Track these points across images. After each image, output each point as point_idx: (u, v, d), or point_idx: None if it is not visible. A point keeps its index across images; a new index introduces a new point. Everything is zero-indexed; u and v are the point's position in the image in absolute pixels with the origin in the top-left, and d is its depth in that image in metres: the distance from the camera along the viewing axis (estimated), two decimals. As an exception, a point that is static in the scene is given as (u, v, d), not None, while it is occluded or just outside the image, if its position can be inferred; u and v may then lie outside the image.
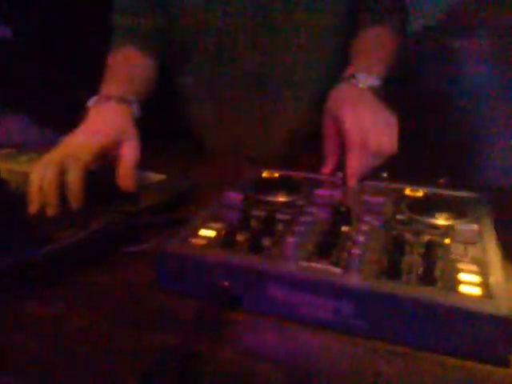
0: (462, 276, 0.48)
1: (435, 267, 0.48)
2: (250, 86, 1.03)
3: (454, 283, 0.47)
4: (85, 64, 1.16)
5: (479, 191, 0.69)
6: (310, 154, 1.01)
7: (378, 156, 0.75)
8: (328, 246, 0.52)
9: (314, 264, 0.49)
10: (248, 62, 1.01)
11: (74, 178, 0.65)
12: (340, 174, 0.74)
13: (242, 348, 0.45)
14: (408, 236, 0.55)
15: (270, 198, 0.66)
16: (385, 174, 0.75)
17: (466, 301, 0.44)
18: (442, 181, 0.72)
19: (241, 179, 0.73)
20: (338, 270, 0.48)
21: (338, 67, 0.94)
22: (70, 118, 0.77)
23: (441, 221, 0.59)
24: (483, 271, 0.49)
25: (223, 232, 0.55)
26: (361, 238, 0.51)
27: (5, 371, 0.42)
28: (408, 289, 0.46)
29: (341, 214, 0.60)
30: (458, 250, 0.53)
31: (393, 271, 0.48)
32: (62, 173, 0.65)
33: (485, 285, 0.46)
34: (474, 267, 0.50)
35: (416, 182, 0.71)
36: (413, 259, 0.51)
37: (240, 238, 0.54)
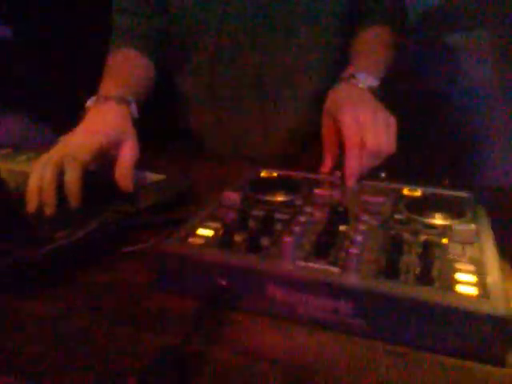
0: (459, 276, 0.48)
1: (433, 267, 0.48)
2: (249, 86, 1.03)
3: (451, 283, 0.47)
4: (84, 64, 1.16)
5: (477, 191, 0.69)
6: (310, 153, 1.01)
7: (377, 156, 0.75)
8: (326, 245, 0.52)
9: (312, 264, 0.49)
10: (248, 62, 1.01)
11: (73, 178, 0.65)
12: (338, 174, 0.74)
13: (241, 348, 0.45)
14: (406, 236, 0.56)
15: (268, 198, 0.66)
16: (383, 174, 0.75)
17: (462, 301, 0.44)
18: (446, 181, 0.72)
19: (239, 179, 0.73)
20: (336, 270, 0.48)
21: (337, 67, 0.94)
22: (70, 118, 0.77)
23: (439, 221, 0.60)
24: (480, 271, 0.49)
25: (221, 232, 0.55)
26: (359, 238, 0.51)
27: (5, 371, 0.42)
28: (406, 288, 0.46)
29: (339, 214, 0.60)
30: (455, 249, 0.53)
31: (391, 271, 0.48)
32: (61, 172, 0.65)
33: (482, 285, 0.46)
34: (471, 267, 0.50)
35: (414, 182, 0.71)
36: (411, 259, 0.51)
37: (238, 237, 0.54)
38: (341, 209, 0.61)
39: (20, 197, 0.64)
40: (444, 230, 0.57)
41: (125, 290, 0.54)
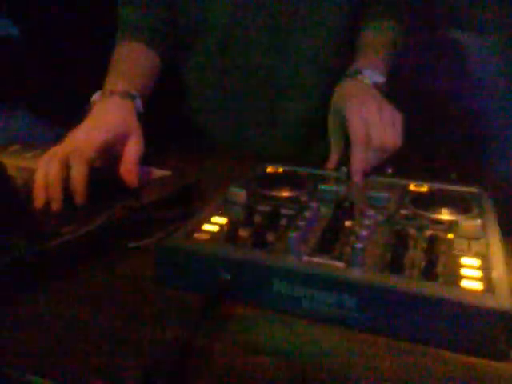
0: (464, 271, 0.48)
1: (438, 262, 0.48)
2: (256, 83, 1.03)
3: (456, 278, 0.47)
4: (89, 61, 1.16)
5: (485, 186, 0.69)
6: (316, 149, 1.01)
7: (383, 152, 0.75)
8: (331, 240, 0.52)
9: (317, 259, 0.49)
10: (254, 58, 1.01)
11: (79, 174, 0.65)
12: (344, 169, 0.74)
13: (245, 342, 0.45)
14: (411, 231, 0.56)
15: (274, 194, 0.66)
16: (389, 170, 0.75)
17: (467, 295, 0.44)
18: (454, 175, 0.72)
19: (245, 175, 0.73)
20: (341, 265, 0.48)
21: (345, 64, 0.93)
22: (75, 114, 0.77)
23: (444, 216, 0.59)
24: (486, 266, 0.49)
25: (227, 227, 0.56)
26: (364, 233, 0.51)
27: (6, 369, 0.42)
28: (410, 283, 0.46)
29: (344, 209, 0.60)
30: (461, 245, 0.53)
31: (396, 266, 0.48)
32: (66, 168, 0.66)
33: (487, 280, 0.46)
34: (476, 262, 0.50)
35: (420, 178, 0.71)
36: (416, 254, 0.51)
37: (244, 233, 0.55)
38: (346, 204, 0.61)
39: (27, 193, 0.65)
40: (450, 226, 0.57)
41: (130, 285, 0.54)
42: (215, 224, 0.57)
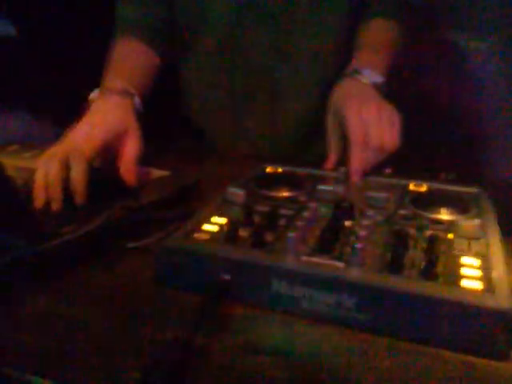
0: (463, 271, 0.48)
1: (437, 262, 0.48)
2: (256, 83, 1.03)
3: (455, 278, 0.47)
4: (89, 61, 1.16)
5: (484, 187, 0.69)
6: (316, 149, 1.01)
7: (381, 152, 0.75)
8: (331, 240, 0.52)
9: (316, 259, 0.49)
10: (254, 58, 1.01)
11: (78, 174, 0.65)
12: (343, 170, 0.74)
13: (244, 342, 0.45)
14: (411, 231, 0.56)
15: (273, 194, 0.66)
16: (388, 170, 0.75)
17: (467, 295, 0.44)
18: (452, 175, 0.72)
19: (244, 175, 0.73)
20: (340, 265, 0.48)
21: (345, 64, 0.93)
22: (74, 114, 0.77)
23: (444, 216, 0.59)
24: (486, 266, 0.49)
25: (226, 227, 0.56)
26: (363, 233, 0.51)
27: (6, 369, 0.42)
28: (410, 283, 0.46)
29: (343, 209, 0.60)
30: (461, 245, 0.53)
31: (395, 266, 0.48)
32: (66, 168, 0.66)
33: (486, 279, 0.46)
34: (476, 262, 0.50)
35: (420, 178, 0.71)
36: (416, 254, 0.51)
37: (243, 233, 0.54)
38: (345, 204, 0.61)
39: (27, 193, 0.65)
40: (450, 226, 0.57)
41: (129, 285, 0.54)
42: (215, 224, 0.57)
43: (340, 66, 0.94)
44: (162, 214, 0.67)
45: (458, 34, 1.35)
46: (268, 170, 0.78)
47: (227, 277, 0.49)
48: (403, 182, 0.71)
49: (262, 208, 0.61)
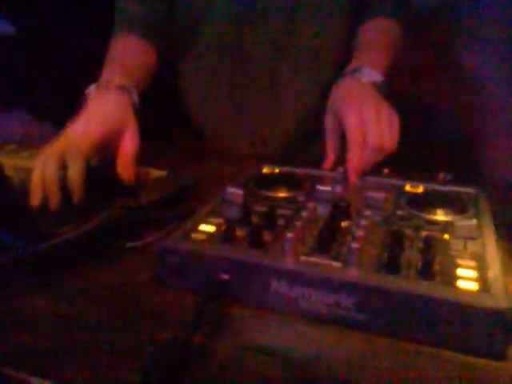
0: (460, 271, 0.48)
1: (434, 262, 0.49)
2: (256, 83, 1.03)
3: (452, 278, 0.47)
4: (88, 60, 1.17)
5: (480, 187, 0.70)
6: (315, 149, 1.01)
7: (379, 152, 0.75)
8: (328, 240, 0.53)
9: (314, 258, 0.50)
10: (254, 58, 1.01)
11: (75, 174, 0.65)
12: (341, 170, 0.74)
13: (243, 342, 0.46)
14: (408, 231, 0.56)
15: (271, 194, 0.66)
16: (386, 170, 0.75)
17: (463, 295, 0.44)
18: (448, 176, 0.72)
19: (242, 175, 0.74)
20: (337, 265, 0.49)
21: (345, 64, 0.93)
22: (73, 114, 0.77)
23: (440, 216, 0.60)
24: (482, 266, 0.49)
25: (224, 227, 0.56)
26: (361, 233, 0.51)
27: (5, 368, 0.43)
28: (407, 283, 0.46)
29: (341, 209, 0.60)
30: (457, 245, 0.54)
31: (392, 266, 0.49)
32: (63, 166, 0.65)
33: (482, 279, 0.47)
34: (472, 262, 0.50)
35: (416, 178, 0.72)
36: (412, 254, 0.51)
37: (241, 233, 0.55)
38: (343, 204, 0.61)
39: (24, 193, 0.65)
40: (446, 226, 0.57)
41: (128, 285, 0.54)
42: (212, 224, 0.57)
43: (340, 65, 0.94)
44: (162, 214, 0.67)
45: (458, 34, 1.36)
46: (265, 170, 0.78)
47: (226, 277, 0.49)
48: (400, 182, 0.72)
49: (260, 208, 0.61)
